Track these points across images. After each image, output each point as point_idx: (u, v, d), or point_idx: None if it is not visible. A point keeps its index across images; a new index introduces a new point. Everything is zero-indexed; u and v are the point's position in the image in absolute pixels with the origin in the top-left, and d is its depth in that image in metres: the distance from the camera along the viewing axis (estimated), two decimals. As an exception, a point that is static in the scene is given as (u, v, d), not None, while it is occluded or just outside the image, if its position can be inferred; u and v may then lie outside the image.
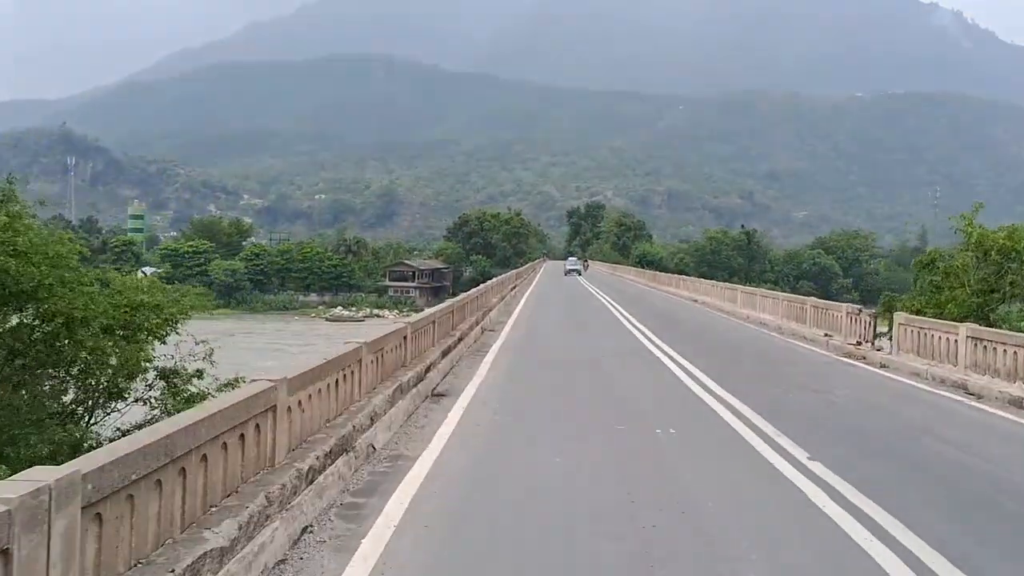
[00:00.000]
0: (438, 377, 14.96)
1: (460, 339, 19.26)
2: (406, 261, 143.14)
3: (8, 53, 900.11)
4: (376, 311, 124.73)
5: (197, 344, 18.66)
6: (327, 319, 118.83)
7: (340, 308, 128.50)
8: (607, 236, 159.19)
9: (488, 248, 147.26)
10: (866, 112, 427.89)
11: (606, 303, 40.25)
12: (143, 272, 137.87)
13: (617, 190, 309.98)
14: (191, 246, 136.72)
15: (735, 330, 28.10)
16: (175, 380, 18.12)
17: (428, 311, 16.23)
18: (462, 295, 23.59)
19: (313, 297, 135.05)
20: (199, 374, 19.01)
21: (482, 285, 29.41)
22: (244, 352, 65.62)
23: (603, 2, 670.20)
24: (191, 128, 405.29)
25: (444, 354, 16.30)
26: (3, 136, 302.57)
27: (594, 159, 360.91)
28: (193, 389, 18.60)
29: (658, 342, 22.13)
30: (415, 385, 12.83)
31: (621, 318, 30.83)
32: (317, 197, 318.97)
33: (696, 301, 42.14)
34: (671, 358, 18.97)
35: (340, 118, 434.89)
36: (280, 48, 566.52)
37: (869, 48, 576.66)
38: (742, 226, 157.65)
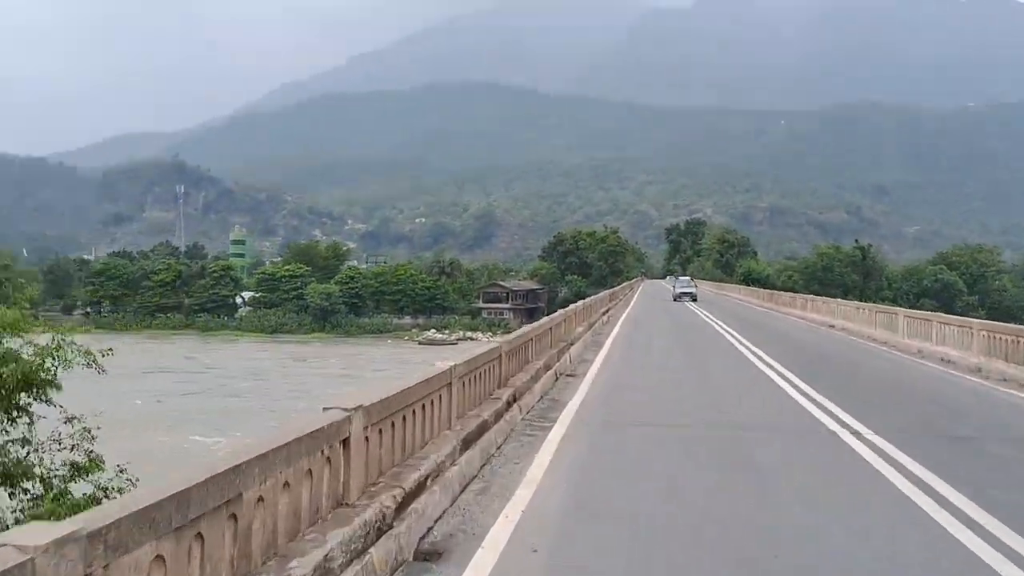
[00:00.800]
0: (442, 502, 7.64)
1: (512, 401, 11.94)
2: (500, 282, 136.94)
3: (129, 88, 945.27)
4: (469, 333, 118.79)
5: (67, 422, 11.80)
6: (419, 342, 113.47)
7: (433, 331, 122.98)
8: (708, 253, 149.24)
9: (584, 267, 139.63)
10: (979, 122, 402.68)
11: (721, 330, 32.15)
12: (241, 298, 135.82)
13: (717, 207, 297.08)
14: (287, 270, 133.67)
15: (932, 380, 19.34)
16: (29, 485, 11.09)
17: (441, 365, 8.88)
18: (527, 327, 16.24)
19: (407, 320, 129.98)
20: (87, 468, 11.91)
21: (560, 312, 21.95)
22: (312, 379, 59.97)
23: (696, 20, 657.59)
24: (298, 157, 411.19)
25: (467, 444, 9.00)
26: (120, 167, 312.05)
27: (692, 176, 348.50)
28: (85, 488, 11.86)
29: (838, 413, 13.87)
30: (350, 563, 5.56)
31: (749, 355, 22.79)
32: (418, 221, 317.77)
33: (832, 327, 33.64)
34: (881, 454, 11.00)
35: (440, 143, 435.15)
36: (382, 78, 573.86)
37: (979, 58, 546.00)
38: (855, 241, 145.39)
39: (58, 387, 11.25)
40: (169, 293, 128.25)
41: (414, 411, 7.69)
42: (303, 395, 49.93)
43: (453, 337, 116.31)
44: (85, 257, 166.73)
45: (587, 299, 33.29)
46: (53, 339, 11.31)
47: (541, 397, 14.31)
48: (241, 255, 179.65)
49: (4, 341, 10.85)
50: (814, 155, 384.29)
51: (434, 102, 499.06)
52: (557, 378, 16.84)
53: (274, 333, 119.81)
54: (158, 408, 51.62)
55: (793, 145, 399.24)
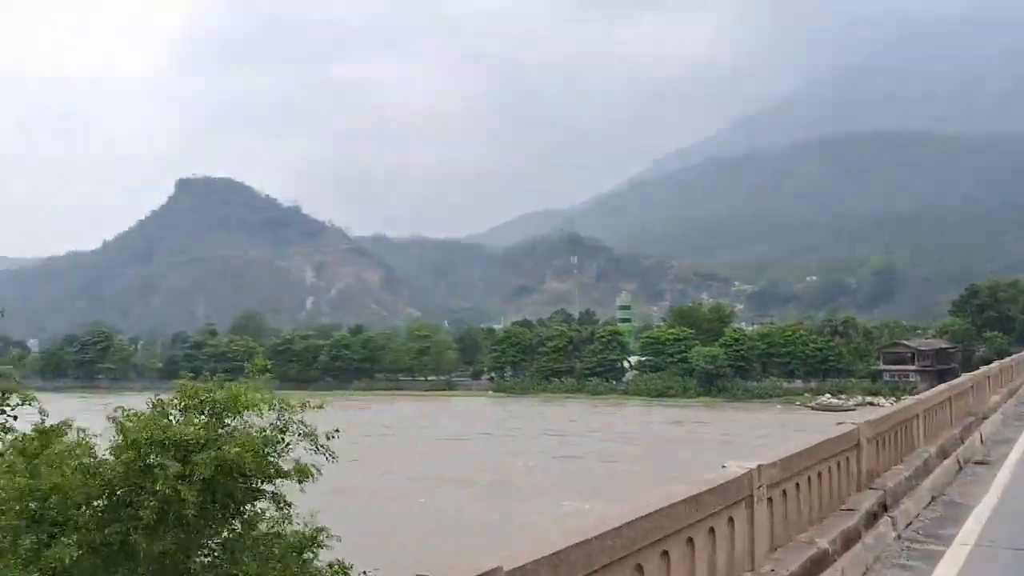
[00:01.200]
0: None
1: (879, 512, 8.14)
2: (903, 341, 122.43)
3: (530, 170, 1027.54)
4: (869, 398, 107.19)
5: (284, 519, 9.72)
6: (812, 407, 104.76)
7: (827, 395, 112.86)
8: None
9: (1006, 323, 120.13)
10: None
11: None
12: (628, 362, 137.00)
13: None
14: (671, 333, 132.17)
15: None
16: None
17: (733, 469, 5.65)
18: (910, 400, 11.96)
19: (797, 383, 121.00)
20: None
21: (966, 376, 16.82)
22: (690, 446, 56.32)
23: None
24: (683, 222, 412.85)
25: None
26: (521, 244, 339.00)
27: None
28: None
29: None
30: None
31: None
32: (808, 279, 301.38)
33: None
34: None
35: (828, 199, 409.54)
36: (763, 137, 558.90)
37: None
38: None
39: (294, 476, 9.63)
40: (561, 358, 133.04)
41: (665, 552, 4.63)
42: (673, 463, 47.21)
43: (851, 402, 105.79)
44: (493, 327, 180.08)
45: (1007, 359, 26.49)
46: (278, 418, 9.73)
47: (932, 500, 10.09)
48: (628, 320, 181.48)
49: (227, 420, 9.56)
50: None
51: (820, 157, 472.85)
52: (960, 467, 12.26)
53: (659, 397, 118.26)
54: (537, 470, 52.00)
55: None
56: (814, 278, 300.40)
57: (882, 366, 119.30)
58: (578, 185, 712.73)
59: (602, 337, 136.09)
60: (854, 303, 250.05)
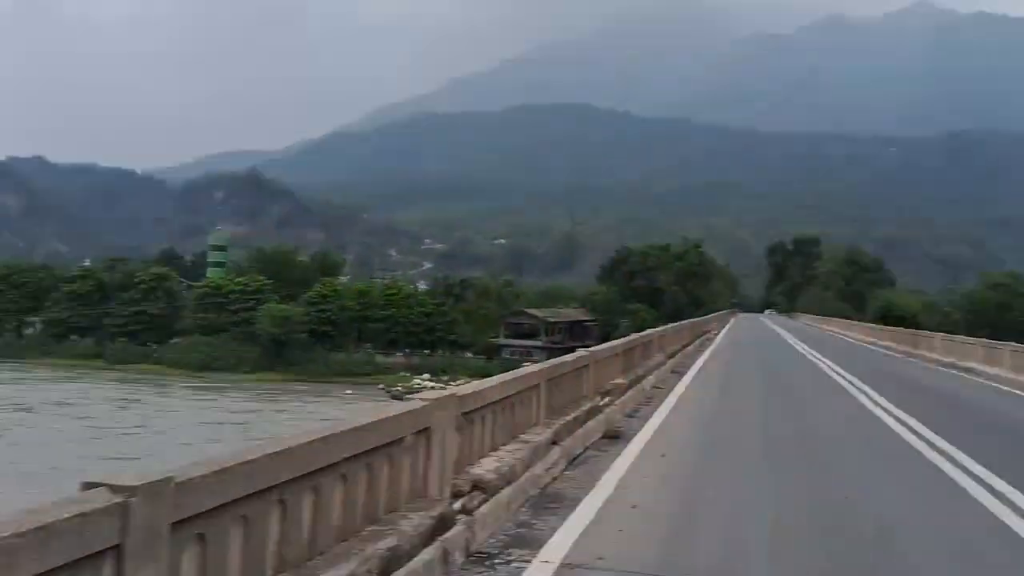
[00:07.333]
0: None
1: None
2: (530, 311, 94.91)
3: (233, 111, 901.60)
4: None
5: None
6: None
7: (427, 376, 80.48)
8: (828, 280, 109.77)
9: (654, 295, 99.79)
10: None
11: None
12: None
13: (824, 236, 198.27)
14: (239, 283, 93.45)
15: None
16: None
17: None
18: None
19: (399, 357, 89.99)
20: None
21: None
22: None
23: (797, 45, 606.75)
24: (384, 176, 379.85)
25: None
26: (200, 180, 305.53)
27: (796, 203, 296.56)
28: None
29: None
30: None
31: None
32: (496, 242, 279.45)
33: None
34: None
35: (527, 165, 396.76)
36: (477, 101, 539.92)
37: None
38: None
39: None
40: (87, 309, 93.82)
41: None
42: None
43: (454, 385, 58.85)
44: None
45: (591, 350, 18.02)
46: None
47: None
48: (221, 263, 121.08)
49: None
50: (930, 185, 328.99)
51: (523, 124, 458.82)
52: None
53: (203, 371, 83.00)
54: None
55: (906, 174, 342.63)
56: (503, 242, 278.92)
57: (501, 340, 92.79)
58: (285, 133, 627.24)
59: (143, 283, 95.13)
60: (538, 269, 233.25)
